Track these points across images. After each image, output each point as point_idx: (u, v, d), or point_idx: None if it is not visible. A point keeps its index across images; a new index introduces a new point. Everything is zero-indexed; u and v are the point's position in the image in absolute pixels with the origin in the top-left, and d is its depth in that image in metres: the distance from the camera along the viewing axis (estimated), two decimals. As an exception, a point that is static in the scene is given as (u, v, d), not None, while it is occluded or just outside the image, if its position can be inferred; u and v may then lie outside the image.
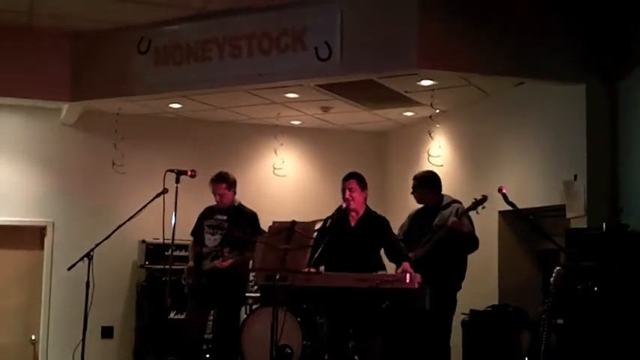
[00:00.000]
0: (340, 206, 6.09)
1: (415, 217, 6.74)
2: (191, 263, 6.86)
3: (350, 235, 6.02)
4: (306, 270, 5.27)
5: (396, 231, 6.49)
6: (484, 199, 6.25)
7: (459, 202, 6.64)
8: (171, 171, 6.20)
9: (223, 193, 6.92)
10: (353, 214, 6.15)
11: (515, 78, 6.97)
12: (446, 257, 6.39)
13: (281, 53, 6.78)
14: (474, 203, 6.31)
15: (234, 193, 7.03)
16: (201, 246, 6.89)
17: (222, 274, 6.61)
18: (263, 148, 9.57)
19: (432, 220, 6.55)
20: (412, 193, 6.75)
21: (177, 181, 6.13)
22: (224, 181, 6.95)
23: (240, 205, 7.05)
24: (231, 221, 6.89)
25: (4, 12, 7.19)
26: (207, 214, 6.99)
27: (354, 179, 6.26)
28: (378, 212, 6.31)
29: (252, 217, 6.98)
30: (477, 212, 6.35)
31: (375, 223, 6.17)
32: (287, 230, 5.00)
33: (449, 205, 6.62)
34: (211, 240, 6.86)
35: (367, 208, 6.22)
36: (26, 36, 7.53)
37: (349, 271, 5.56)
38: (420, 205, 6.76)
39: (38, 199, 8.77)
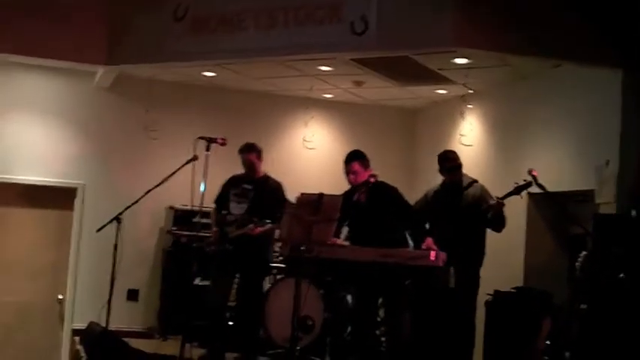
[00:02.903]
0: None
1: (435, 196, 6.76)
2: (215, 229, 6.90)
3: (361, 209, 6.03)
4: (331, 242, 5.29)
5: None
6: (529, 184, 6.17)
7: (476, 180, 6.67)
8: (202, 138, 6.26)
9: (254, 161, 6.94)
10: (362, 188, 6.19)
11: (552, 60, 6.88)
12: (472, 235, 6.42)
13: (317, 25, 6.76)
14: (517, 187, 6.23)
15: (260, 162, 7.05)
16: (224, 214, 6.91)
17: (248, 241, 6.66)
18: (294, 120, 9.57)
19: (456, 198, 6.56)
20: (446, 171, 6.72)
21: (208, 148, 6.19)
22: (254, 151, 6.98)
23: (266, 176, 7.08)
24: (257, 190, 6.93)
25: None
26: (233, 182, 7.02)
27: (356, 161, 6.28)
28: (404, 190, 6.33)
29: (278, 187, 7.01)
30: (521, 197, 6.34)
31: (382, 192, 6.18)
32: (314, 202, 5.01)
33: (470, 184, 6.63)
34: (237, 208, 6.89)
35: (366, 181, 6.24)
36: (65, -2, 7.58)
37: (370, 244, 5.58)
38: (436, 184, 6.78)
39: (70, 161, 8.84)
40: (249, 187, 6.96)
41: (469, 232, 6.45)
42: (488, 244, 6.71)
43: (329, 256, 5.34)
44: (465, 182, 6.70)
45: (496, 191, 6.50)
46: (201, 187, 6.19)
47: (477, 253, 6.58)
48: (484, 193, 6.63)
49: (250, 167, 6.95)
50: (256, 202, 6.90)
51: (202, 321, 7.03)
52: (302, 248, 5.03)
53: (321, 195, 5.08)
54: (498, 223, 6.53)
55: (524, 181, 6.19)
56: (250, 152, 6.96)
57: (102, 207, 8.25)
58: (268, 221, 6.57)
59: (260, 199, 6.90)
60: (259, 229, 6.62)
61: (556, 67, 7.13)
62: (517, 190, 6.25)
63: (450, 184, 6.71)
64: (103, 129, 8.94)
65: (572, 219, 6.19)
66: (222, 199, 7.05)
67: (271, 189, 6.98)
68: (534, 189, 6.17)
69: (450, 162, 6.70)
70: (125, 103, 8.95)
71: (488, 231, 6.69)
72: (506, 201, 6.35)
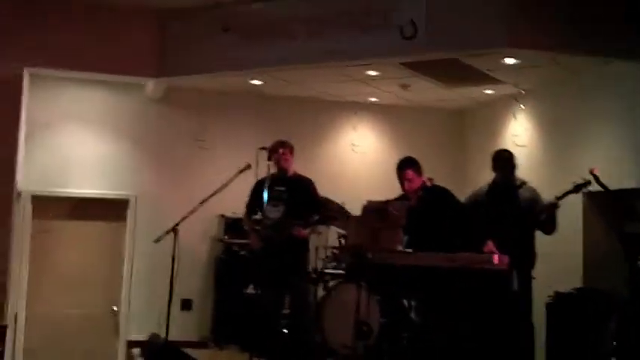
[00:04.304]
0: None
1: (487, 197, 6.65)
2: (253, 235, 6.93)
3: (414, 214, 6.04)
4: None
5: None
6: (588, 182, 6.11)
7: (526, 181, 6.63)
8: (263, 148, 6.28)
9: (288, 158, 6.91)
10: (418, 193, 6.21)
11: (602, 57, 6.82)
12: (525, 237, 6.37)
13: (365, 32, 6.79)
14: (576, 186, 6.16)
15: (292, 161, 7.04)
16: (256, 219, 6.92)
17: (288, 245, 6.67)
18: (341, 125, 9.57)
19: (510, 199, 6.49)
20: (499, 170, 6.65)
21: (270, 158, 6.21)
22: (287, 146, 6.93)
23: (296, 174, 7.06)
24: (290, 191, 6.91)
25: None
26: (263, 186, 6.81)
27: (410, 169, 6.29)
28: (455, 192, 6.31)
29: (309, 185, 7.01)
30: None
31: (435, 196, 6.17)
32: (381, 209, 5.01)
33: (522, 185, 6.57)
34: (273, 211, 6.84)
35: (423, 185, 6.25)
36: (115, 13, 7.70)
37: (429, 249, 5.57)
38: (483, 184, 6.73)
39: (122, 173, 8.91)
40: (281, 188, 6.90)
41: (521, 234, 6.38)
42: (545, 244, 6.64)
43: (393, 262, 5.33)
44: (517, 183, 6.63)
45: (552, 191, 6.41)
46: (265, 196, 6.22)
47: (529, 255, 6.50)
48: (537, 195, 6.57)
49: (285, 162, 6.89)
50: (291, 203, 6.88)
51: (256, 330, 7.06)
52: (369, 255, 5.03)
53: (387, 202, 5.10)
54: (551, 225, 6.43)
55: (583, 179, 6.12)
56: (285, 147, 6.91)
57: (154, 218, 8.38)
58: (316, 217, 6.60)
59: (294, 200, 6.89)
60: (307, 230, 6.67)
61: (607, 64, 7.07)
62: (576, 189, 6.17)
63: (502, 184, 6.63)
64: (153, 140, 9.00)
65: (634, 216, 6.09)
66: (254, 205, 7.03)
67: (304, 187, 6.98)
68: (590, 187, 6.10)
69: (507, 161, 6.63)
70: (176, 113, 9.00)
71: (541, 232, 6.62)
72: (561, 201, 6.27)
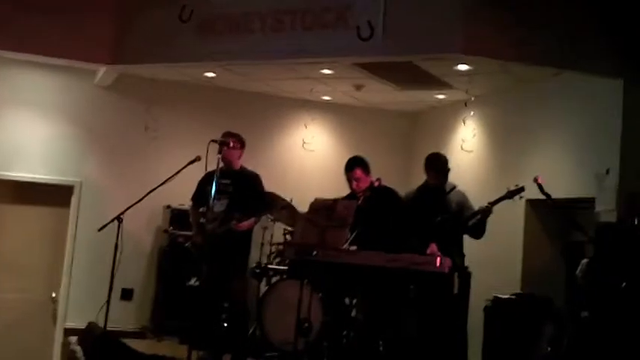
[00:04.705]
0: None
1: (414, 201, 6.63)
2: (195, 227, 6.96)
3: (365, 213, 6.07)
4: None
5: None
6: (521, 189, 6.14)
7: (456, 185, 6.63)
8: (215, 141, 6.26)
9: (233, 150, 6.86)
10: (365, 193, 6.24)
11: (554, 69, 6.94)
12: (454, 241, 6.40)
13: (322, 30, 6.78)
14: (509, 192, 6.17)
15: (240, 154, 7.03)
16: (202, 211, 6.91)
17: (230, 238, 6.69)
18: (293, 122, 9.58)
19: (438, 203, 6.48)
20: (434, 173, 6.60)
21: (220, 151, 6.19)
22: (234, 138, 6.90)
23: (242, 168, 7.08)
24: (235, 184, 6.92)
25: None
26: (210, 178, 6.74)
27: (359, 168, 6.34)
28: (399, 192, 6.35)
29: (254, 179, 7.03)
30: (515, 200, 6.26)
31: (382, 196, 6.21)
32: (329, 207, 5.04)
33: (452, 189, 6.60)
34: (218, 205, 6.84)
35: (371, 185, 6.28)
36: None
37: (373, 249, 5.61)
38: (414, 187, 6.75)
39: (68, 158, 8.81)
40: (226, 181, 6.91)
41: (450, 238, 6.40)
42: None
43: (337, 260, 5.36)
44: (448, 187, 6.60)
45: (494, 197, 6.49)
46: (211, 190, 6.21)
47: (463, 257, 6.53)
48: (467, 199, 6.59)
49: (227, 154, 6.81)
50: (236, 197, 6.90)
51: (196, 322, 7.02)
52: (314, 252, 5.05)
53: (335, 200, 5.13)
54: (480, 230, 6.42)
55: (516, 186, 6.16)
56: (229, 137, 6.87)
57: (99, 205, 8.32)
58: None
59: (239, 194, 6.90)
60: (243, 224, 6.67)
61: (556, 76, 7.19)
62: (509, 195, 6.17)
63: (432, 188, 6.59)
64: (103, 127, 8.90)
65: (576, 226, 6.21)
66: (200, 197, 7.02)
67: (249, 182, 6.99)
68: (533, 195, 6.17)
69: (442, 164, 6.60)
70: (125, 101, 8.92)
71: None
72: (501, 206, 6.27)
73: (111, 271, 6.16)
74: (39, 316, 8.86)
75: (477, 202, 6.50)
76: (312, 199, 5.81)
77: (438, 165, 6.59)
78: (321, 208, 5.13)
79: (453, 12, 6.35)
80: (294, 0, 6.93)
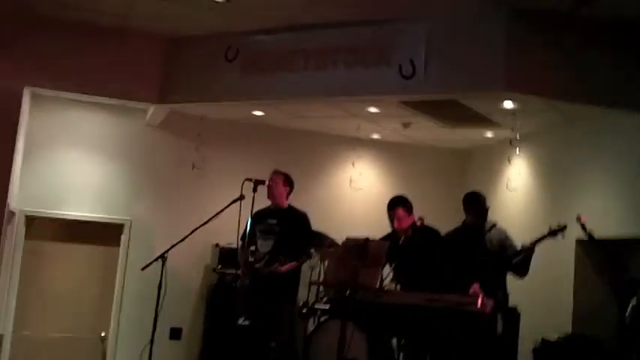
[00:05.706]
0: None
1: (453, 241, 6.54)
2: (243, 267, 6.93)
3: (401, 253, 6.01)
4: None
5: None
6: (563, 228, 6.04)
7: (496, 223, 6.55)
8: (249, 180, 6.28)
9: (278, 187, 6.92)
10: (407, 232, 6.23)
11: (602, 107, 6.77)
12: (496, 280, 6.29)
13: (365, 68, 6.80)
14: (551, 231, 6.09)
15: (289, 192, 7.03)
16: (251, 251, 6.89)
17: (276, 280, 6.68)
18: (341, 160, 9.55)
19: (478, 242, 6.41)
20: (474, 213, 6.53)
21: (255, 189, 6.20)
22: (279, 175, 6.96)
23: (290, 207, 7.06)
24: (282, 225, 6.92)
25: (102, 14, 7.39)
26: (258, 218, 6.90)
27: (400, 208, 6.31)
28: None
29: (302, 219, 7.01)
30: (557, 240, 6.17)
31: (424, 237, 6.15)
32: (360, 247, 5.00)
33: (492, 227, 6.51)
34: (264, 245, 6.88)
35: (413, 224, 6.25)
36: (120, 38, 7.72)
37: (416, 288, 5.55)
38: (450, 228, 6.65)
39: (117, 197, 8.89)
40: (273, 221, 6.93)
41: (493, 277, 6.29)
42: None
43: (377, 300, 5.30)
44: (487, 226, 6.53)
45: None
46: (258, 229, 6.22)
47: (501, 297, 6.41)
48: (508, 237, 6.50)
49: (273, 190, 6.90)
50: (282, 237, 6.90)
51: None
52: (347, 293, 5.01)
53: (366, 240, 5.09)
54: (524, 269, 6.33)
55: (558, 225, 6.06)
56: (276, 174, 6.96)
57: (148, 244, 8.36)
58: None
59: (286, 234, 6.89)
60: (287, 266, 6.67)
61: (605, 113, 7.05)
62: (551, 234, 6.08)
63: (471, 227, 6.53)
64: (151, 166, 8.98)
65: (622, 265, 6.05)
66: (247, 236, 6.97)
67: (296, 222, 6.97)
68: (581, 234, 6.04)
69: (480, 203, 6.54)
70: (175, 140, 9.00)
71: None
72: (551, 245, 6.19)
73: (154, 309, 6.18)
74: (88, 356, 8.90)
75: (522, 241, 6.38)
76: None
77: (475, 204, 6.55)
78: (353, 246, 5.08)
79: (496, 48, 6.29)
80: (337, 39, 6.97)
